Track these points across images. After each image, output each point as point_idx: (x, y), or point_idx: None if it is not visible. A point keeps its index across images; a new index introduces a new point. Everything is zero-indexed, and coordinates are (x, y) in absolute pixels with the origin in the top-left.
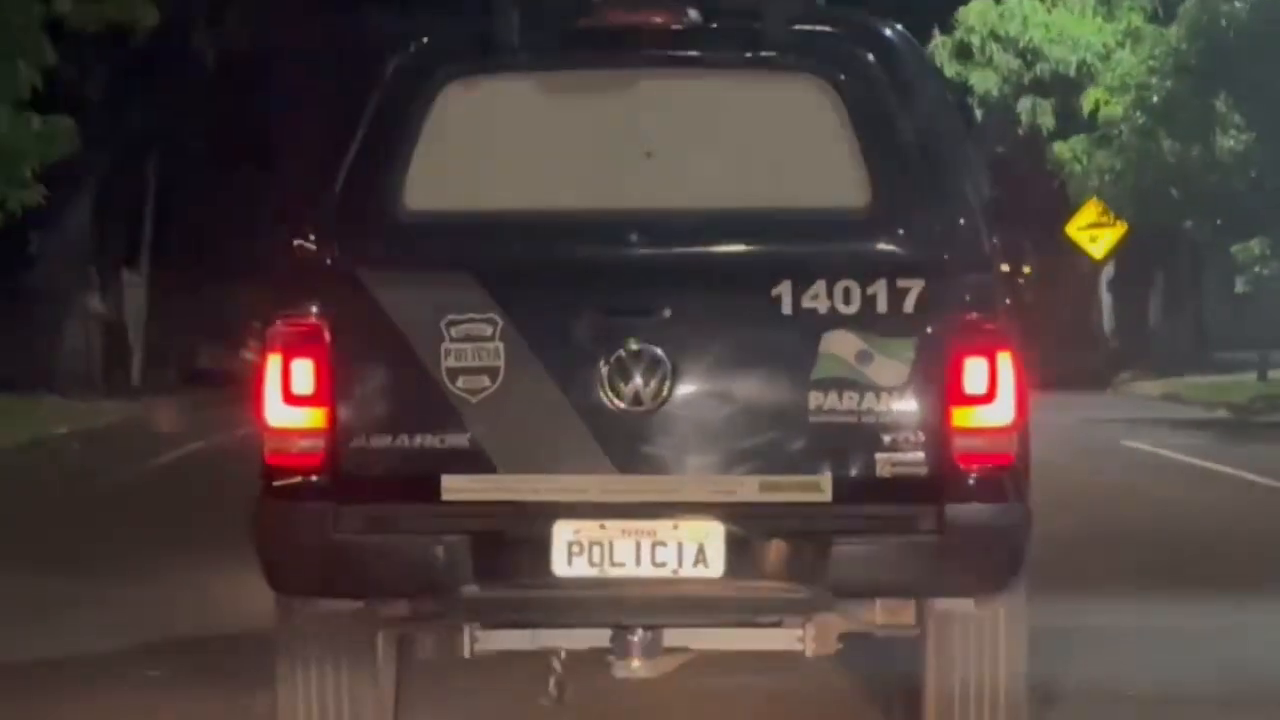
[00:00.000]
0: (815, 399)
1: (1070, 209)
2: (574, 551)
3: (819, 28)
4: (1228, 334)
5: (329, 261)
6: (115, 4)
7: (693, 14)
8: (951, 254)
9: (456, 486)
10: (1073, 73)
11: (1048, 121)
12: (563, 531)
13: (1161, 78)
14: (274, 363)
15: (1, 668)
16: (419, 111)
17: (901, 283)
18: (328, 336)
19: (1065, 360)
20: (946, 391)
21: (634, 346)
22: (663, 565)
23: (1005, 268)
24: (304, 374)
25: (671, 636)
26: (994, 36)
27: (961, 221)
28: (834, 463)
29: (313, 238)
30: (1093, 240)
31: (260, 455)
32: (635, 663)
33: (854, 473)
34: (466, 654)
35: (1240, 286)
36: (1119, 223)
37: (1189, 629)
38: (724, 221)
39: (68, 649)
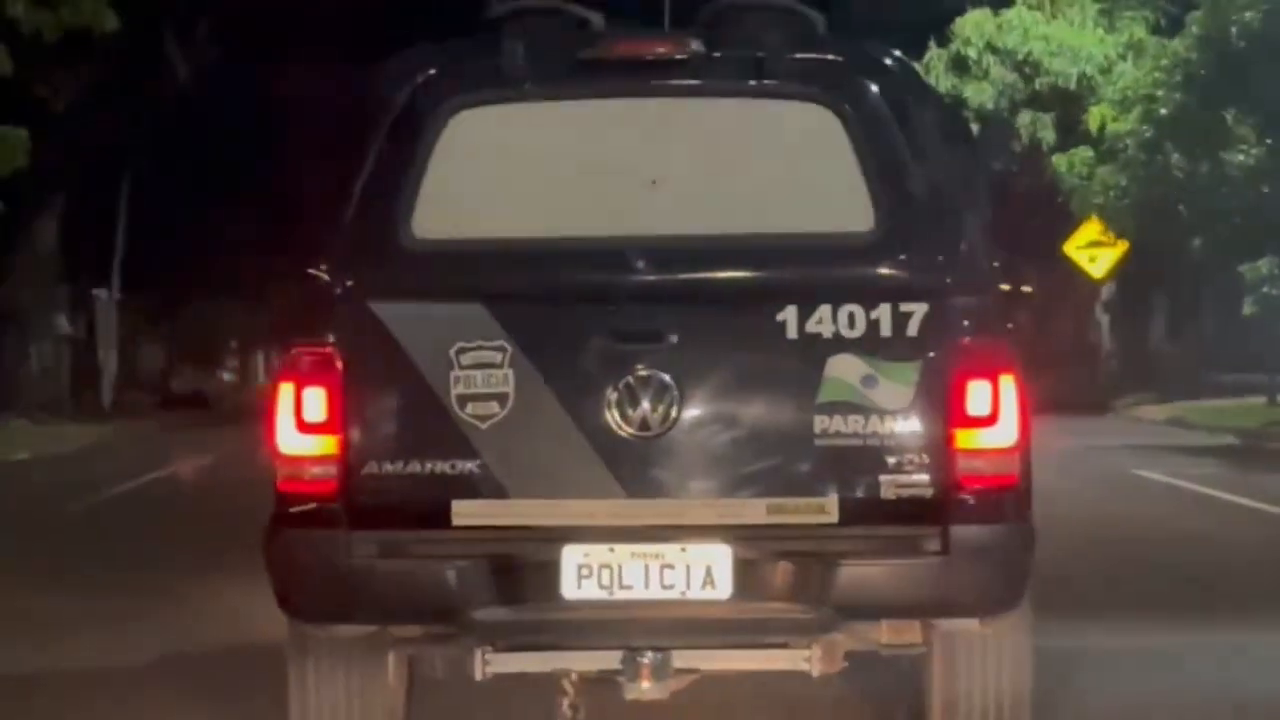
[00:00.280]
0: (821, 422)
1: (1071, 226)
2: (583, 574)
3: (822, 56)
4: (1231, 356)
5: (339, 290)
6: (71, 7)
7: (696, 44)
8: (954, 278)
9: (467, 512)
10: (1073, 86)
11: (1048, 136)
12: (572, 555)
13: (1169, 90)
14: (286, 391)
15: None
16: (428, 140)
17: (905, 307)
18: (339, 365)
19: (1063, 383)
20: (950, 414)
21: (641, 372)
22: (671, 588)
23: (1006, 288)
24: (316, 402)
25: (680, 658)
26: (991, 49)
27: (964, 246)
28: (840, 485)
29: (323, 266)
30: (1092, 260)
31: (272, 482)
32: (645, 684)
33: (859, 495)
34: (479, 676)
35: (1248, 308)
36: (1119, 242)
37: (1237, 671)
38: (729, 247)
39: None
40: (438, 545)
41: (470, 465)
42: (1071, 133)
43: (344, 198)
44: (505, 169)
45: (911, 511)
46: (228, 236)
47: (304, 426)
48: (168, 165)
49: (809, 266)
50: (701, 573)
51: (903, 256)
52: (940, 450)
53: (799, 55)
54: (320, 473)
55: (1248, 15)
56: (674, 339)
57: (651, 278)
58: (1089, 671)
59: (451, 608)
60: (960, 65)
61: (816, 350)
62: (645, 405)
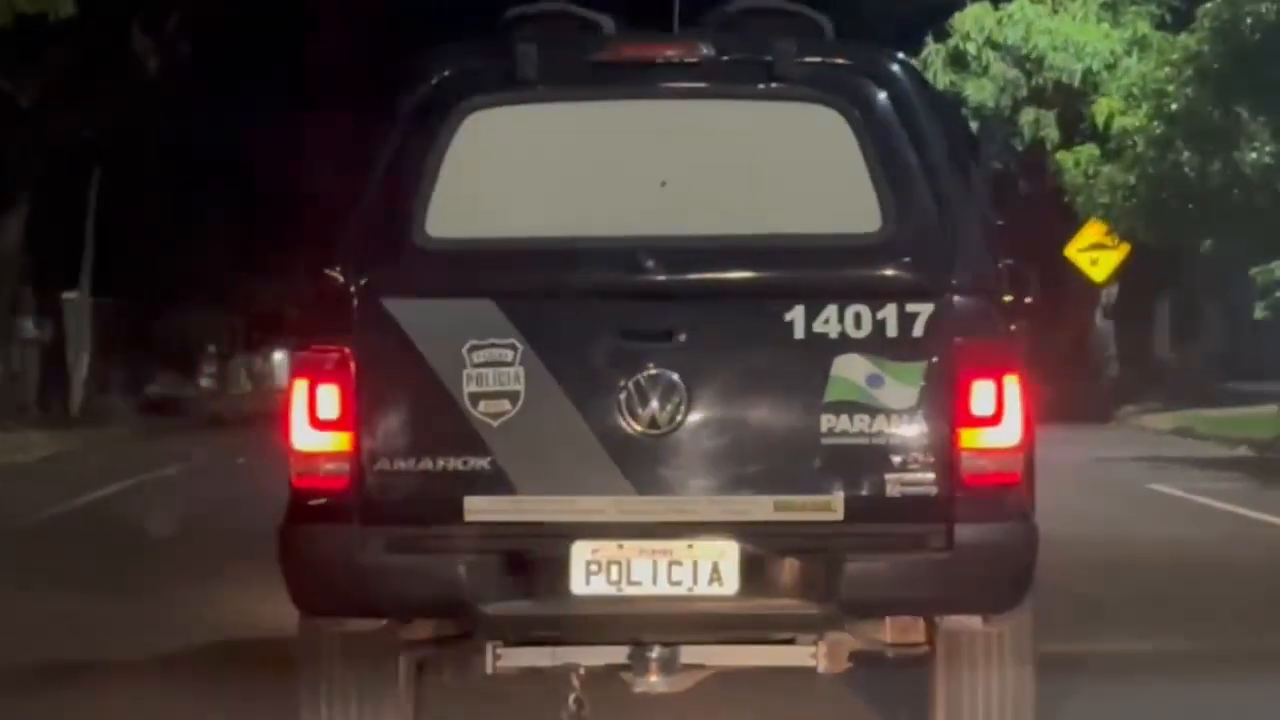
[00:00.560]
0: (827, 421)
1: (1073, 228)
2: (592, 571)
3: (830, 59)
4: (1237, 363)
5: (353, 289)
6: None
7: (705, 47)
8: (959, 279)
9: (478, 508)
10: (1077, 82)
11: (1052, 134)
12: (581, 551)
13: (1180, 85)
14: (300, 388)
15: None
16: (442, 141)
17: (911, 307)
18: (353, 362)
19: (1064, 390)
20: (955, 413)
21: (650, 371)
22: (679, 584)
23: (1009, 297)
24: (329, 399)
25: (688, 653)
26: (991, 44)
27: (969, 248)
28: (846, 483)
29: (337, 265)
30: (1093, 263)
31: (287, 478)
32: (653, 679)
33: (865, 493)
34: (489, 670)
35: (1259, 312)
36: (1121, 244)
37: None
38: (738, 248)
39: None
40: (449, 540)
41: (482, 462)
42: (1075, 131)
43: (359, 197)
44: (518, 169)
45: (916, 509)
46: (206, 239)
47: (318, 423)
48: (140, 164)
49: (816, 267)
50: (709, 569)
51: (909, 258)
52: (945, 449)
53: (807, 58)
54: (334, 469)
55: (1263, 7)
56: (683, 338)
57: (661, 277)
58: None
59: (462, 602)
60: (959, 61)
61: (823, 350)
62: (654, 403)
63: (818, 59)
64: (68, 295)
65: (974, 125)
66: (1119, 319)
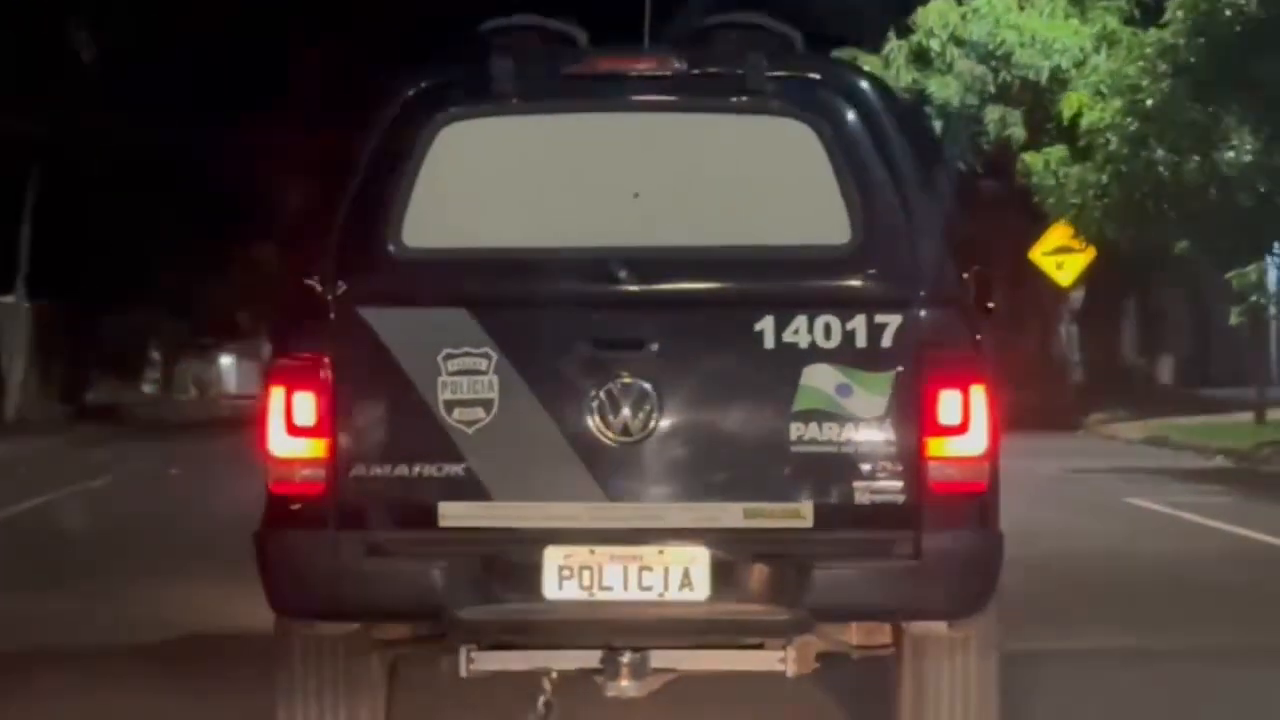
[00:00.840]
0: (796, 430)
1: (1039, 230)
2: (564, 576)
3: (800, 73)
4: (1207, 370)
5: (330, 297)
6: None
7: (677, 61)
8: (927, 290)
9: (453, 513)
10: (1044, 80)
11: (1018, 133)
12: (554, 556)
13: (1155, 79)
14: (277, 395)
15: None
16: (418, 152)
17: (879, 318)
18: (329, 370)
19: (1029, 397)
20: (922, 422)
21: (623, 379)
22: (649, 589)
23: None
24: (306, 406)
25: (659, 657)
26: (955, 40)
27: (936, 259)
28: (815, 491)
29: (315, 273)
30: (1059, 267)
31: (264, 484)
32: (625, 683)
33: (834, 500)
34: (463, 673)
35: (1235, 317)
36: (1088, 248)
37: None
38: (709, 259)
39: None
40: (424, 545)
41: (456, 468)
42: (1043, 130)
43: (336, 206)
44: (493, 180)
45: (884, 517)
46: (149, 240)
47: (295, 430)
48: (81, 163)
49: (786, 278)
50: (679, 575)
51: (877, 270)
52: (912, 458)
53: (778, 72)
54: (310, 474)
55: None
56: (654, 347)
57: (633, 287)
58: None
59: (437, 606)
60: (923, 58)
61: (793, 359)
62: (626, 411)
63: (788, 73)
64: (2, 298)
65: (938, 124)
66: (1085, 324)
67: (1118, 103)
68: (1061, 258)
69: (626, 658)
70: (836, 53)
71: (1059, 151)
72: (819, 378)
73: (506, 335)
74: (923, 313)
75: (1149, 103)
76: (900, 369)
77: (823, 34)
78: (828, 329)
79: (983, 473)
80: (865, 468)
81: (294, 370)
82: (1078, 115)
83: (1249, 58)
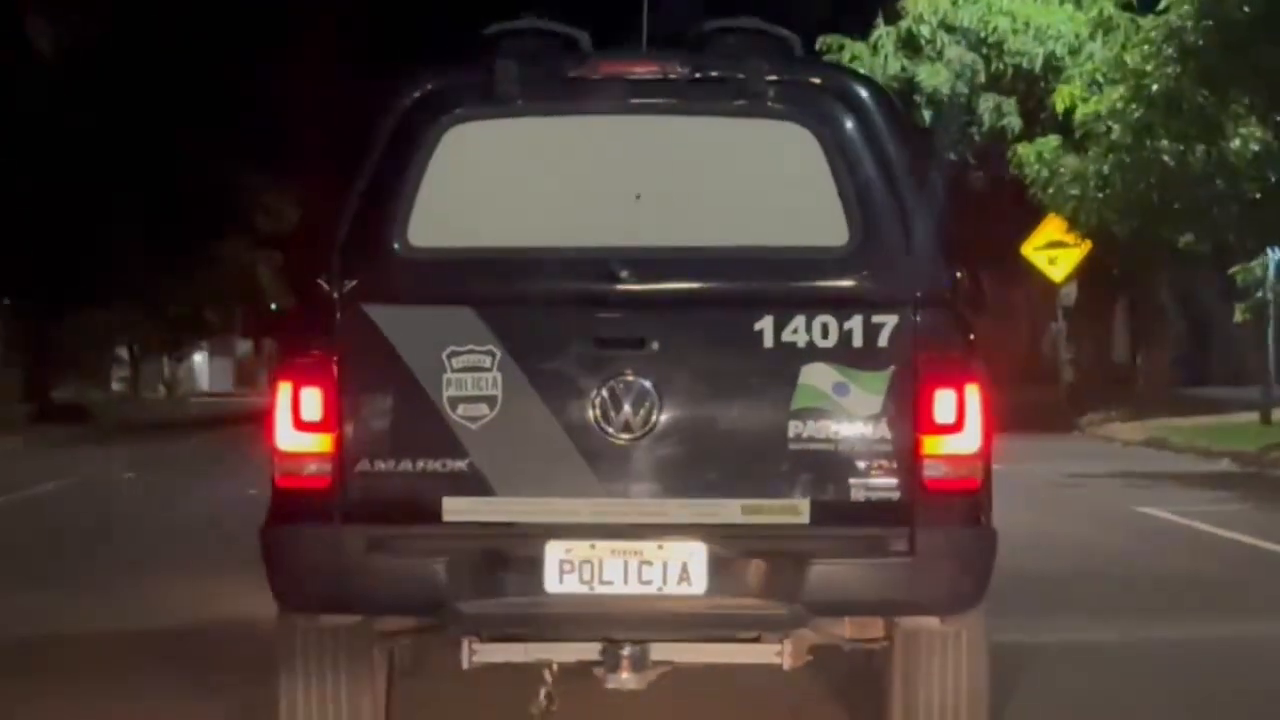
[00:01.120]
0: (794, 427)
1: (1035, 221)
2: (565, 570)
3: (799, 77)
4: (1205, 367)
5: (337, 295)
6: None
7: (679, 65)
8: (922, 291)
9: (456, 508)
10: (1038, 67)
11: (1013, 123)
12: (555, 551)
13: (1161, 64)
14: (284, 390)
15: None
16: (423, 153)
17: (876, 318)
18: (335, 366)
19: (1021, 396)
20: (917, 421)
21: (624, 377)
22: (649, 583)
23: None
24: (313, 402)
25: (658, 650)
26: (946, 26)
27: (931, 261)
28: (812, 487)
29: (322, 271)
30: (1051, 262)
31: (270, 478)
32: (625, 675)
33: (830, 497)
34: (465, 665)
35: (1239, 314)
36: (1082, 242)
37: None
38: (709, 259)
39: None
40: (428, 540)
41: (460, 464)
42: (1037, 119)
43: (343, 206)
44: (497, 181)
45: (880, 513)
46: (115, 236)
47: (301, 425)
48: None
49: (785, 279)
50: (678, 569)
51: (874, 271)
52: (907, 455)
53: (778, 77)
54: (316, 469)
55: None
56: (655, 346)
57: (634, 287)
58: None
59: (440, 599)
60: (912, 45)
61: (792, 358)
62: (627, 409)
63: (789, 77)
64: None
65: (927, 114)
66: (1076, 321)
67: (1121, 89)
68: (1054, 253)
69: (626, 650)
70: (822, 39)
71: (1052, 142)
72: (817, 376)
73: (510, 333)
74: (918, 313)
75: (1155, 88)
76: (896, 368)
77: (808, 20)
78: (825, 329)
79: (976, 470)
80: (861, 465)
81: (301, 366)
82: (1071, 109)
83: (1258, 43)
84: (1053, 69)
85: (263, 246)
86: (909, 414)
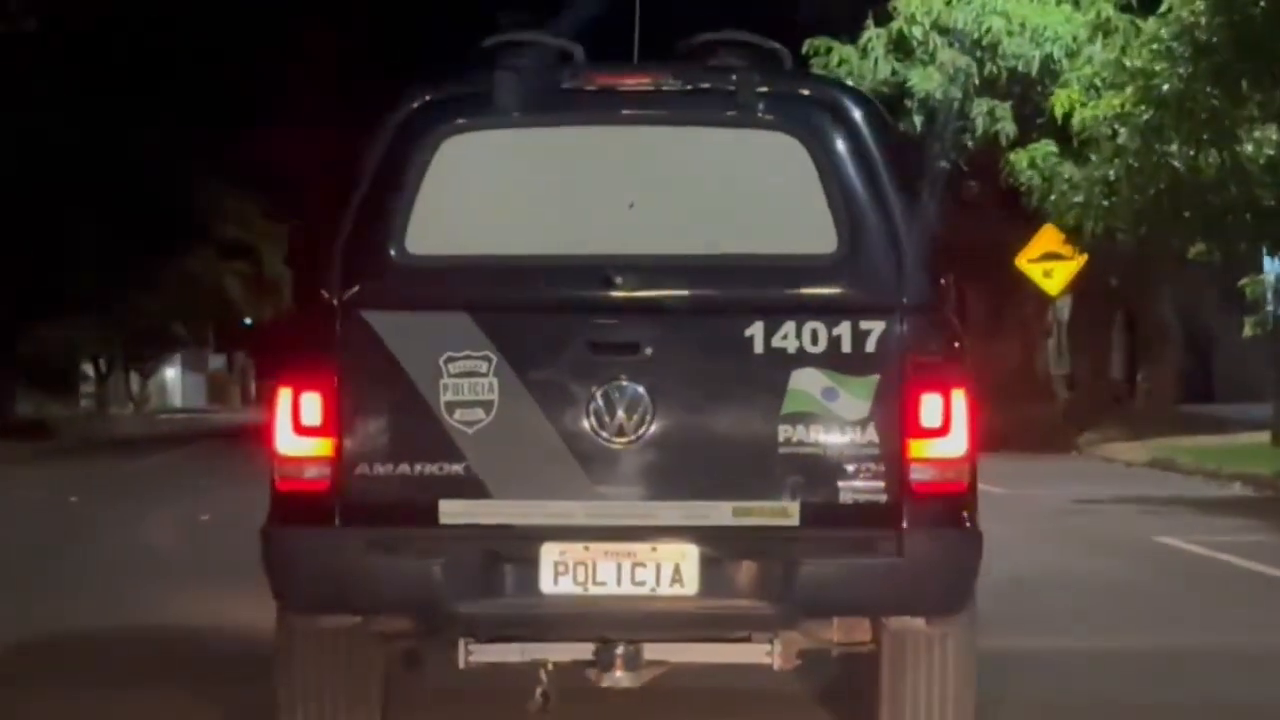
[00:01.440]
0: (784, 432)
1: (1031, 231)
2: (560, 571)
3: (789, 89)
4: (1207, 385)
5: (336, 302)
6: None
7: (671, 76)
8: (909, 298)
9: (453, 511)
10: (1034, 71)
11: (1008, 128)
12: (550, 553)
13: (1172, 63)
14: (285, 395)
15: None
16: (421, 163)
17: (864, 324)
18: (335, 371)
19: (1016, 414)
20: (905, 425)
21: (618, 382)
22: (642, 584)
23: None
24: (312, 407)
25: (651, 650)
26: (938, 28)
27: (918, 268)
28: (802, 490)
29: (321, 279)
30: (1047, 274)
31: (270, 481)
32: (618, 674)
33: (820, 500)
34: (461, 665)
35: (1248, 328)
36: (1079, 254)
37: None
38: (701, 266)
39: None
40: (425, 542)
41: (457, 467)
42: (1032, 125)
43: (343, 215)
44: (493, 190)
45: (868, 516)
46: (79, 248)
47: (301, 429)
48: None
49: (775, 286)
50: (671, 570)
51: (862, 278)
52: (895, 459)
53: (768, 88)
54: (316, 473)
55: None
56: (649, 351)
57: (628, 294)
58: None
59: (437, 600)
60: (903, 47)
61: (782, 364)
62: (620, 413)
63: (778, 89)
64: None
65: (918, 120)
66: (1073, 335)
67: (1128, 91)
68: (1050, 265)
69: (620, 650)
70: (809, 42)
71: (1045, 148)
72: (806, 382)
73: (506, 339)
74: (905, 319)
75: (1165, 89)
76: (883, 373)
77: (796, 22)
78: (815, 335)
79: (963, 473)
80: (850, 468)
81: (301, 372)
82: (1069, 114)
83: (1275, 39)
84: (1049, 72)
85: (230, 258)
86: (896, 418)
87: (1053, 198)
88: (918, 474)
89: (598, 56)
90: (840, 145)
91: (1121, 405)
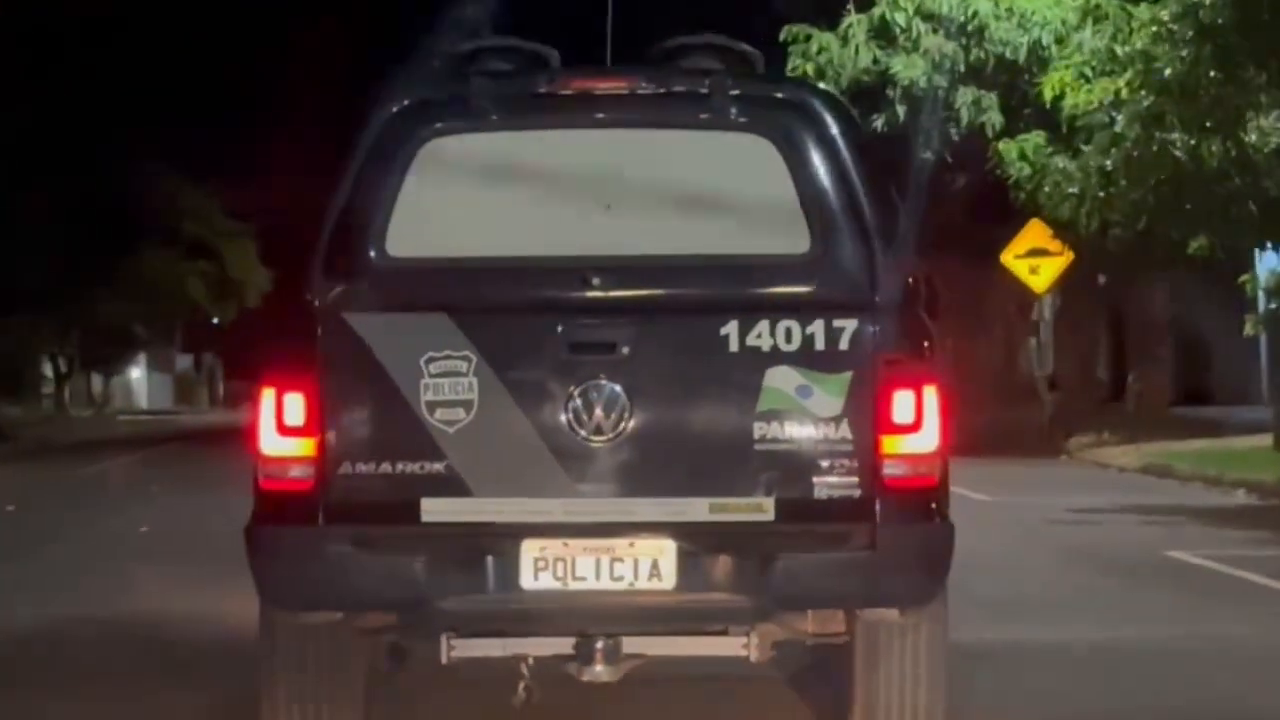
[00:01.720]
0: (760, 428)
1: (1019, 225)
2: (540, 567)
3: (761, 91)
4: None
5: (318, 304)
6: None
7: (645, 80)
8: (881, 297)
9: (435, 509)
10: (1022, 58)
11: (994, 118)
12: (530, 549)
13: (1174, 45)
14: (268, 396)
15: None
16: (401, 166)
17: (837, 323)
18: (317, 372)
19: (999, 416)
20: (877, 421)
21: (595, 381)
22: (620, 579)
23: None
24: (295, 407)
25: (629, 643)
26: (922, 14)
27: (889, 268)
28: (776, 486)
29: (304, 280)
30: (1033, 271)
31: (254, 481)
32: (598, 668)
33: (794, 495)
34: (443, 660)
35: (1249, 327)
36: (1066, 250)
37: None
38: (677, 266)
39: None
40: (407, 539)
41: (438, 466)
42: (1020, 115)
43: (324, 218)
44: (472, 193)
45: (842, 510)
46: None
47: (284, 429)
48: None
49: (750, 285)
50: (649, 566)
51: (835, 277)
52: (868, 454)
53: (740, 91)
54: (299, 472)
55: None
56: (626, 351)
57: (605, 294)
58: None
59: (419, 597)
60: (885, 34)
61: (756, 362)
62: (598, 412)
63: (751, 92)
64: None
65: (901, 110)
66: (1059, 334)
67: (1127, 74)
68: (1036, 261)
69: (599, 644)
70: (787, 29)
71: (1036, 138)
72: (781, 379)
73: (485, 339)
74: (877, 317)
75: (1167, 73)
76: (856, 370)
77: (773, 8)
78: (789, 333)
79: (934, 468)
80: (824, 464)
81: (284, 373)
82: (1059, 97)
83: None
84: (1038, 59)
85: (193, 257)
86: (869, 415)
87: (1045, 190)
88: (890, 469)
89: (572, 60)
90: (812, 146)
91: (1111, 407)
